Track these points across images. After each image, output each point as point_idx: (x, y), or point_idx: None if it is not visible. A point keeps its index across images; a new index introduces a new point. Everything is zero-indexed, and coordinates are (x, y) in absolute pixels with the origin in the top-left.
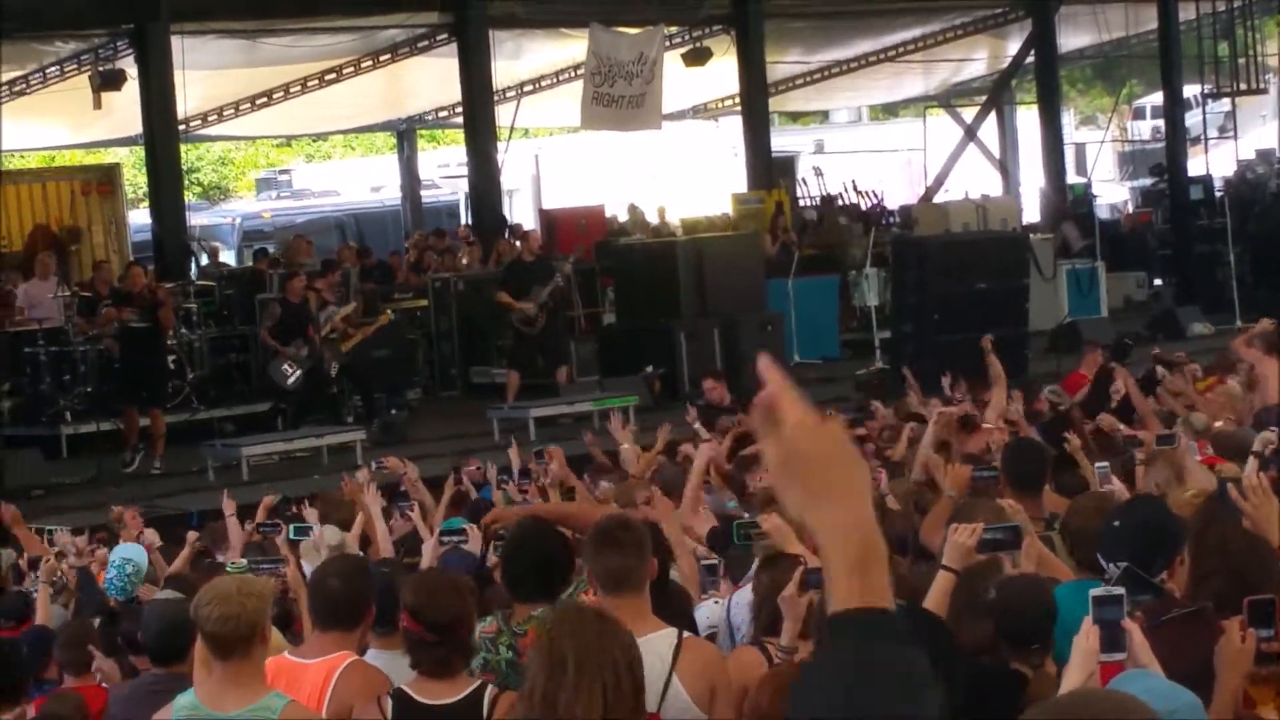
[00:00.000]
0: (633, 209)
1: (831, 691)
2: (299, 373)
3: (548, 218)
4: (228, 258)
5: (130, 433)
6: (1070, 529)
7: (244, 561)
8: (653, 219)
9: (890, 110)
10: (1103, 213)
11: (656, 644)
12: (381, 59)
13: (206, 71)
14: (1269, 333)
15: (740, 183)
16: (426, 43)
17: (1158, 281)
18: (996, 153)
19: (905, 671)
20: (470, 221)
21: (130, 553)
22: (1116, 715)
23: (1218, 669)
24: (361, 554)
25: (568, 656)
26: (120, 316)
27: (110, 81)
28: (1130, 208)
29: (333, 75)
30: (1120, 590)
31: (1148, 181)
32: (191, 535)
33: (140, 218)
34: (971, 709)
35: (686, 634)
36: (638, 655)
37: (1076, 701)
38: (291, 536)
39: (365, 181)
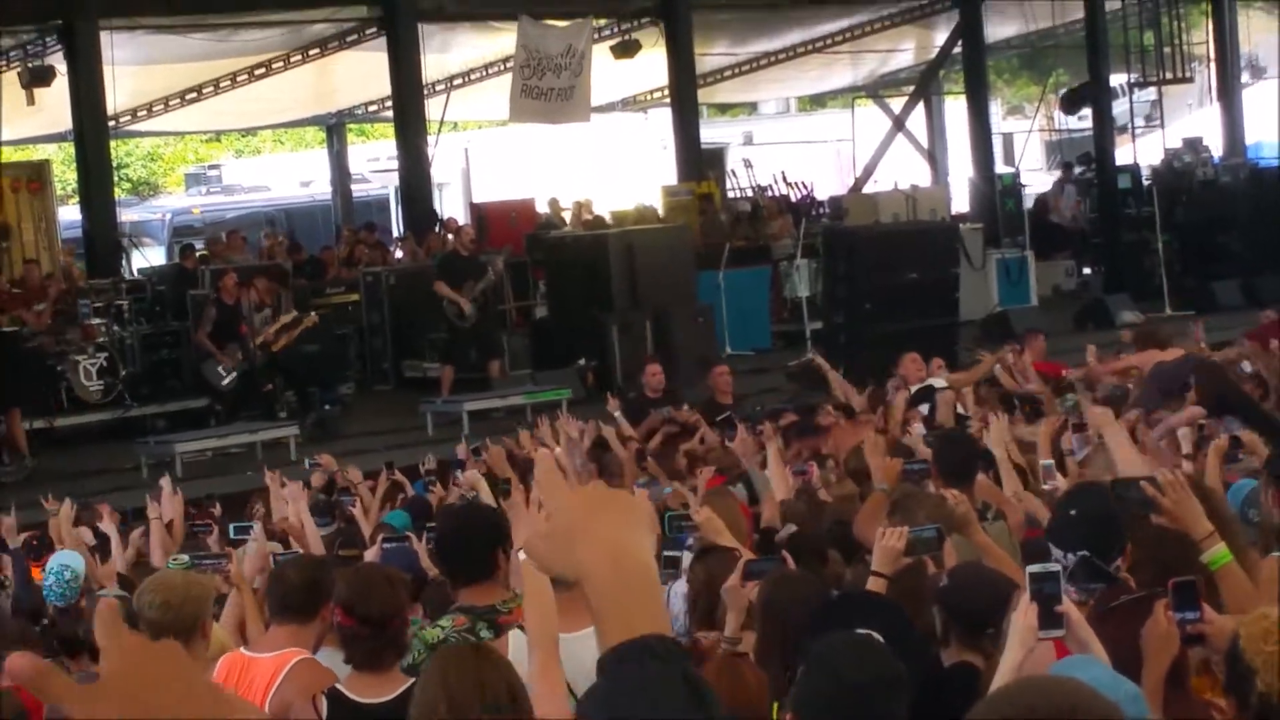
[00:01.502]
0: (552, 203)
1: None
2: (233, 374)
3: (478, 211)
4: (158, 254)
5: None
6: None
7: (185, 558)
8: (574, 212)
9: (819, 101)
10: (1030, 202)
11: (594, 639)
12: (310, 53)
13: (135, 67)
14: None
15: (670, 175)
16: (355, 37)
17: (1086, 270)
18: (925, 143)
19: (660, 695)
20: (400, 215)
21: (68, 559)
22: (1073, 705)
23: (1145, 653)
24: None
25: (439, 702)
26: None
27: (40, 78)
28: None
29: (262, 70)
30: (1057, 567)
31: (1077, 170)
32: (135, 534)
33: (70, 214)
34: (921, 704)
35: None
36: (518, 685)
37: (1032, 690)
38: (232, 536)
39: (295, 176)
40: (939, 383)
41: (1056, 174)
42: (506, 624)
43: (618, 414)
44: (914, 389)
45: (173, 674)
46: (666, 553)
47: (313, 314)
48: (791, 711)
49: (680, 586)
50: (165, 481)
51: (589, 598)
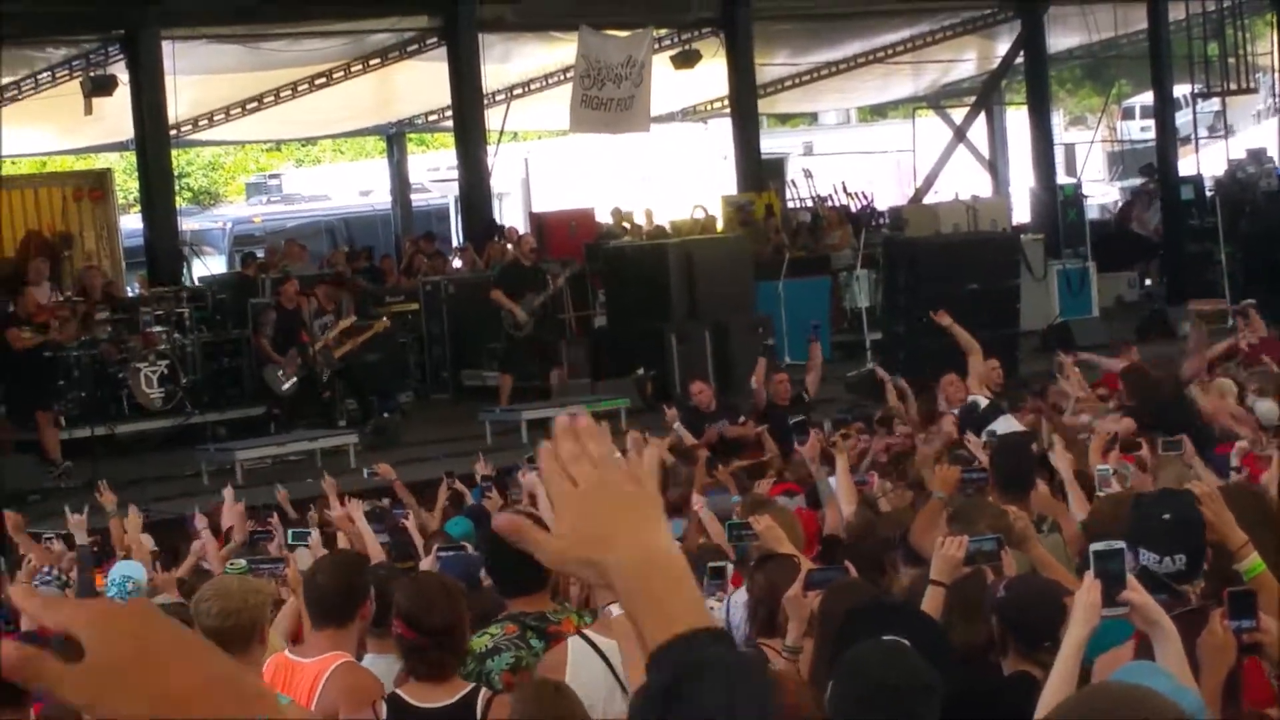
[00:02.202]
0: (616, 212)
1: None
2: (293, 380)
3: (538, 221)
4: (219, 263)
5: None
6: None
7: (243, 562)
8: (640, 222)
9: (879, 111)
10: (1093, 213)
11: None
12: (371, 63)
13: (197, 76)
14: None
15: (730, 185)
16: (416, 46)
17: (1148, 281)
18: (986, 153)
19: (723, 680)
20: (460, 225)
21: (129, 570)
22: (1143, 712)
23: (1200, 663)
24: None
25: None
26: (21, 340)
27: (101, 87)
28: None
29: (323, 79)
30: (1121, 544)
31: (1138, 181)
32: (196, 544)
33: (132, 223)
34: (976, 715)
35: None
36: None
37: (1102, 697)
38: (290, 541)
39: (355, 185)
40: (981, 400)
41: (1120, 184)
42: (556, 633)
43: (677, 425)
44: (956, 410)
45: (155, 636)
46: (711, 564)
47: (384, 318)
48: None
49: (740, 595)
50: (227, 491)
51: (621, 596)
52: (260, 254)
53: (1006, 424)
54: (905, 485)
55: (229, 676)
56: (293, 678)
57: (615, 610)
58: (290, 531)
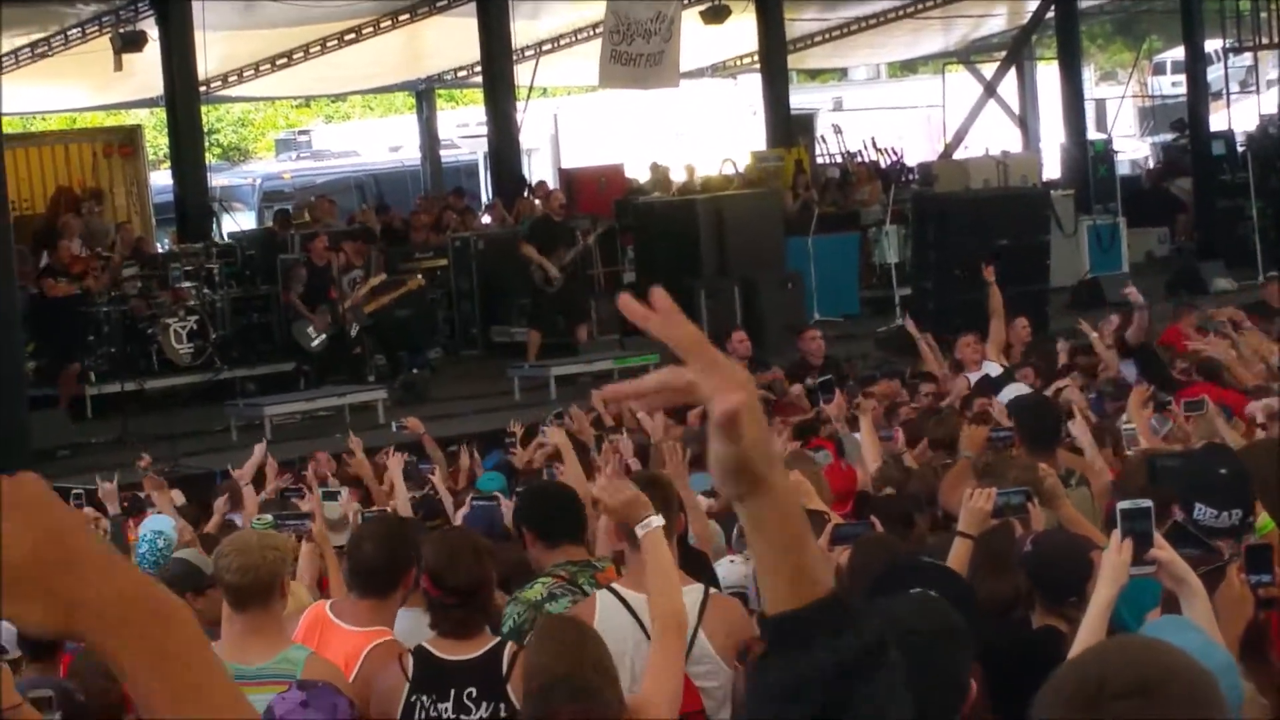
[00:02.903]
0: (655, 167)
1: (772, 695)
2: (323, 335)
3: (567, 177)
4: (248, 219)
5: (66, 397)
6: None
7: (269, 518)
8: (680, 177)
9: (909, 67)
10: (1123, 169)
11: (685, 598)
12: (400, 19)
13: (226, 32)
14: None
15: (759, 141)
16: (445, 2)
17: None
18: (1016, 109)
19: (840, 669)
20: (490, 181)
21: (160, 524)
22: (1167, 670)
23: (1218, 617)
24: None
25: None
26: (57, 289)
27: (131, 43)
28: (1151, 163)
29: (352, 35)
30: (1148, 503)
31: (1168, 137)
32: (219, 502)
33: (161, 179)
34: (1005, 667)
35: (713, 590)
36: (607, 659)
37: (1122, 651)
38: (323, 500)
39: (384, 142)
40: (996, 369)
41: (1151, 140)
42: (603, 580)
43: None
44: (973, 378)
45: (60, 536)
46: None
47: (419, 275)
48: None
49: None
50: (259, 446)
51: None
52: (290, 210)
53: (1015, 391)
54: (931, 445)
55: (140, 583)
56: (333, 640)
57: (640, 530)
58: (322, 490)
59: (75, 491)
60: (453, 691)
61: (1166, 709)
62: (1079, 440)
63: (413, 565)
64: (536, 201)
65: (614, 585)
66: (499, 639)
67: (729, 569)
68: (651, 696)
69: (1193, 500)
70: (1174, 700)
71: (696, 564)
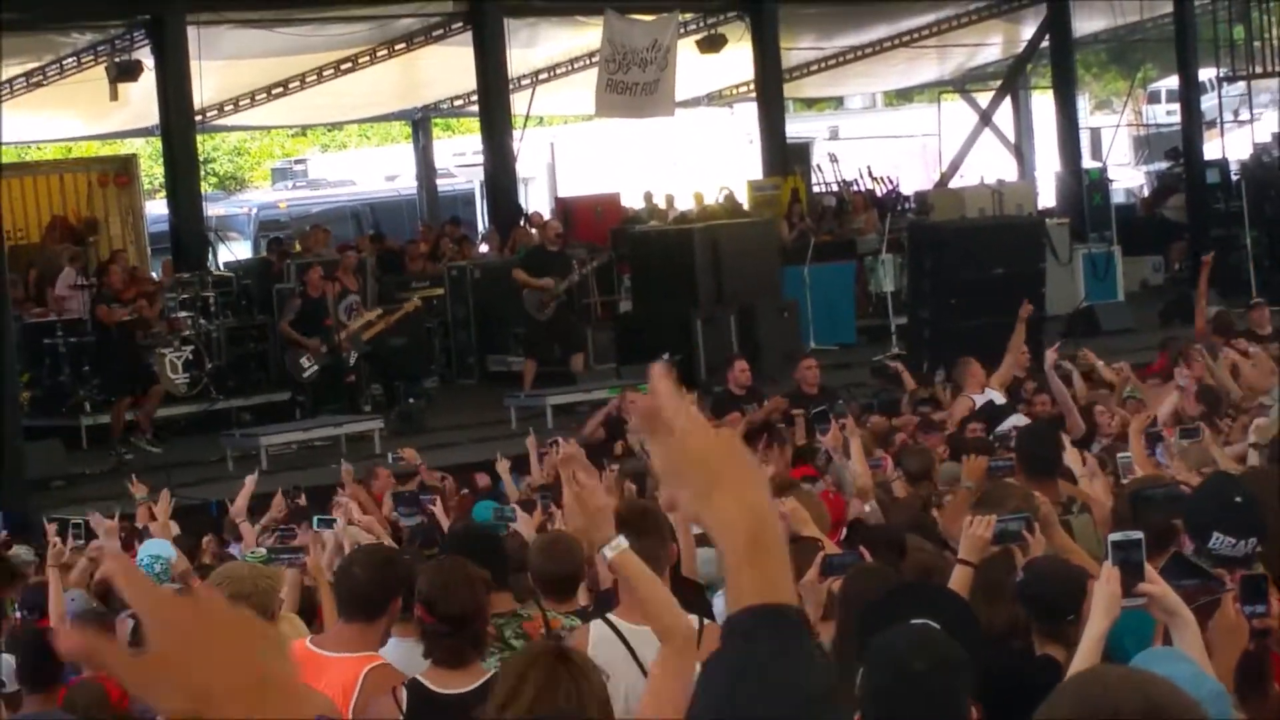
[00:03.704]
0: (648, 197)
1: (716, 692)
2: (315, 367)
3: (564, 206)
4: (244, 248)
5: (117, 426)
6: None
7: (263, 551)
8: (669, 206)
9: (905, 96)
10: (1118, 197)
11: None
12: (397, 48)
13: (222, 61)
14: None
15: (755, 169)
16: (441, 31)
17: (1175, 265)
18: (1012, 137)
19: (795, 669)
20: (486, 210)
21: (159, 549)
22: (1151, 702)
23: (1212, 646)
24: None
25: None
26: (110, 315)
27: (127, 72)
28: (1145, 191)
29: (348, 64)
30: (1139, 535)
31: (1163, 165)
32: (207, 541)
33: (157, 208)
34: (1002, 696)
35: (707, 621)
36: (588, 681)
37: (1108, 684)
38: (315, 527)
39: (381, 171)
40: (999, 398)
41: (1145, 169)
42: (530, 630)
43: None
44: (978, 401)
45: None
46: None
47: (416, 298)
48: (859, 709)
49: None
50: (250, 479)
51: (720, 547)
52: (284, 238)
53: (1016, 422)
54: (908, 479)
55: (280, 679)
56: (323, 671)
57: (609, 552)
58: (316, 518)
59: (74, 522)
60: None
61: None
62: (1074, 470)
63: (400, 593)
64: (533, 230)
65: (610, 616)
66: (494, 672)
67: (723, 600)
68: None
69: (1210, 529)
70: None
71: (689, 595)
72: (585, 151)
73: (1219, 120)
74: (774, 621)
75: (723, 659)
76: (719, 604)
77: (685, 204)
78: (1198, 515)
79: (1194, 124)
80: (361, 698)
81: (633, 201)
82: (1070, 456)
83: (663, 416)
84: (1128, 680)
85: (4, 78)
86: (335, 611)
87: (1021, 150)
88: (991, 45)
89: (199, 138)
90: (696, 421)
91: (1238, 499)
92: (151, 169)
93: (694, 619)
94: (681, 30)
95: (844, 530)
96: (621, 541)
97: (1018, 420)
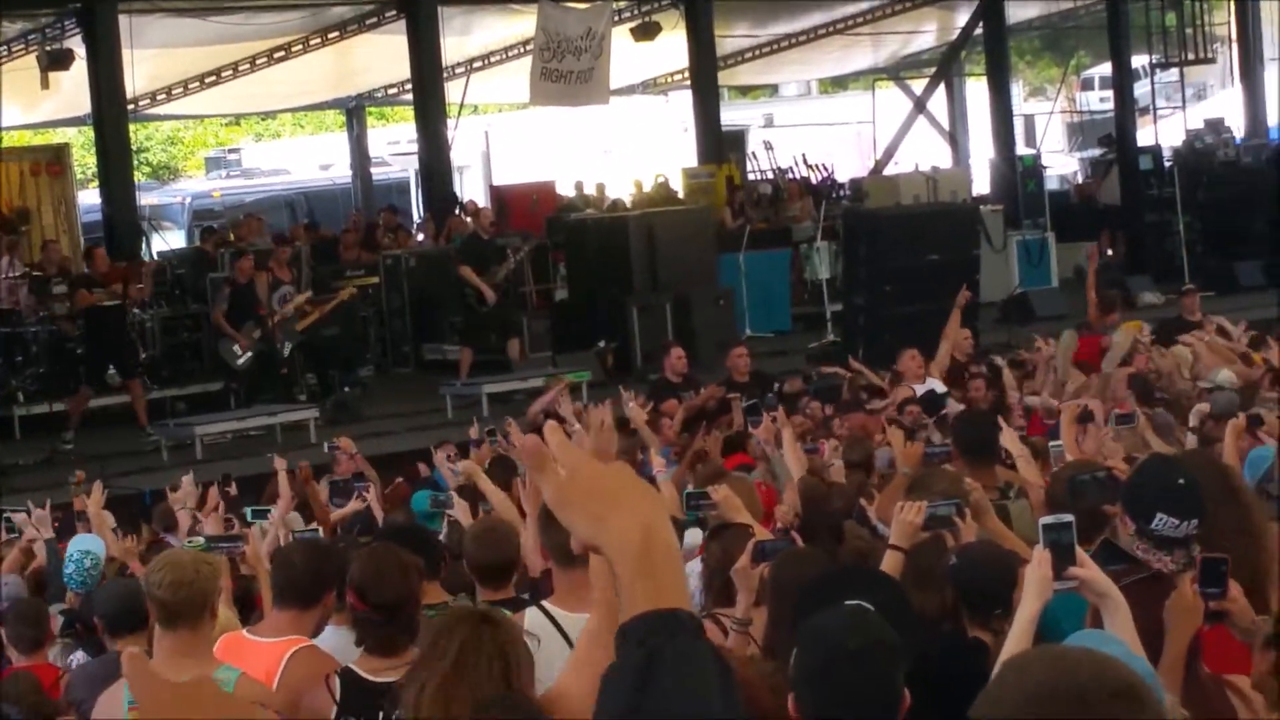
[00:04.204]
0: (579, 187)
1: (619, 697)
2: (249, 354)
3: (499, 194)
4: (178, 237)
5: (75, 411)
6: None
7: (201, 540)
8: (592, 194)
9: (839, 83)
10: (1052, 183)
11: None
12: (330, 36)
13: (155, 50)
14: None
15: (690, 157)
16: (376, 20)
17: (1108, 251)
18: (946, 125)
19: (692, 671)
20: (421, 198)
21: (88, 544)
22: (1093, 675)
23: (1167, 625)
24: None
25: (446, 654)
26: (91, 299)
27: (58, 61)
28: (1080, 178)
29: (282, 53)
30: (1069, 517)
31: (1097, 152)
32: (145, 533)
33: (90, 198)
34: (932, 678)
35: None
36: (514, 645)
37: (1047, 661)
38: (249, 519)
39: (315, 160)
40: (940, 387)
41: (1079, 155)
42: None
43: (631, 404)
44: (919, 390)
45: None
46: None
47: (351, 287)
48: (792, 691)
49: (695, 565)
50: (186, 477)
51: (615, 566)
52: (217, 226)
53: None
54: (848, 466)
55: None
56: (247, 654)
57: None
58: (249, 509)
59: (7, 515)
60: (380, 714)
61: (1143, 710)
62: (1012, 453)
63: (335, 585)
64: (468, 219)
65: (544, 604)
66: None
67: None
68: (567, 688)
69: (1154, 510)
70: (1149, 703)
71: None
72: (520, 140)
73: (1152, 107)
74: (668, 627)
75: (620, 666)
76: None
77: (618, 192)
78: (1140, 495)
79: (1127, 111)
80: (286, 677)
81: (565, 191)
82: (1007, 438)
83: (548, 455)
84: (1058, 656)
85: None
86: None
87: (956, 137)
88: (926, 33)
89: (132, 127)
90: (583, 457)
91: (1180, 480)
92: (84, 158)
93: None
94: (616, 18)
95: (775, 521)
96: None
97: (954, 407)
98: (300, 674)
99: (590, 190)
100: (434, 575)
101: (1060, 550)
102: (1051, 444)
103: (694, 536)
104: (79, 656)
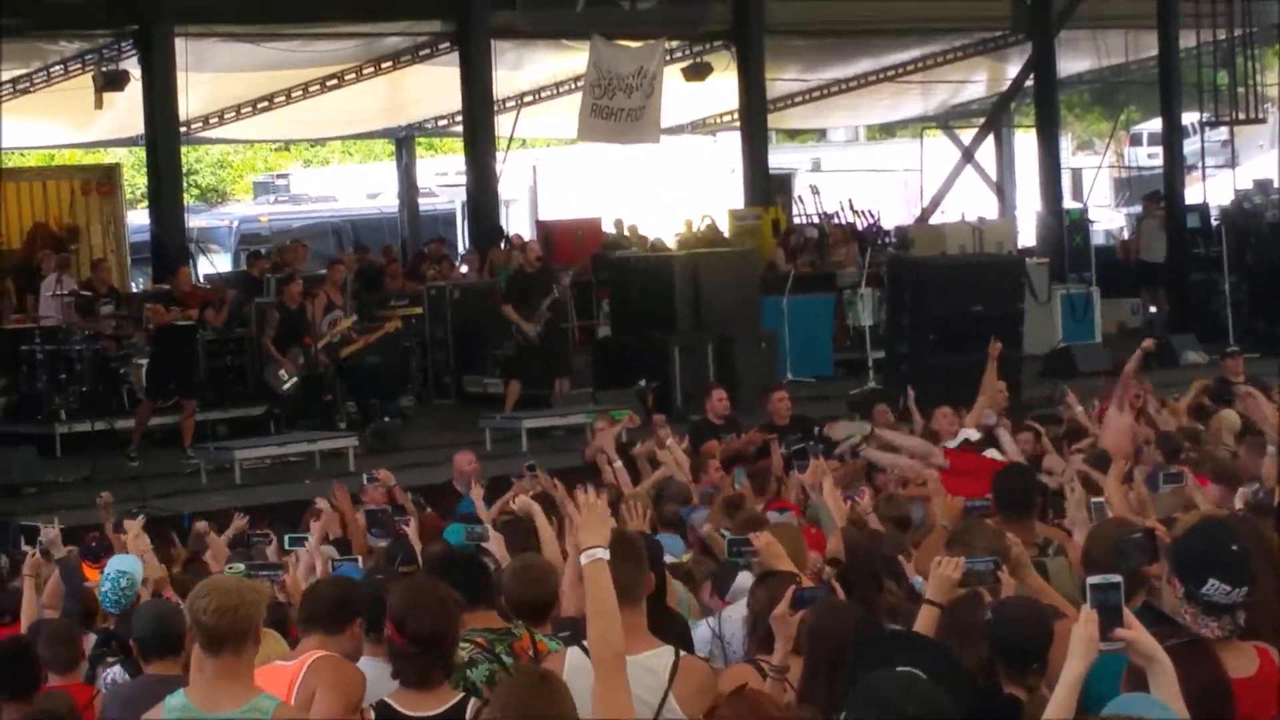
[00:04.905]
0: (619, 225)
1: None
2: (294, 379)
3: (545, 229)
4: (224, 260)
5: (139, 426)
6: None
7: (241, 566)
8: (646, 234)
9: (888, 130)
10: (1098, 239)
11: (653, 662)
12: (383, 66)
13: (209, 74)
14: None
15: (737, 199)
16: (428, 51)
17: (1153, 309)
18: (993, 175)
19: None
20: (466, 230)
21: (125, 565)
22: None
23: (1068, 658)
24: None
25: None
26: (168, 317)
27: (113, 82)
28: (1126, 234)
29: (334, 81)
30: (1118, 578)
31: (1138, 209)
32: (179, 553)
33: (139, 218)
34: None
35: (683, 653)
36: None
37: None
38: (286, 546)
39: (363, 188)
40: (972, 435)
41: (1126, 211)
42: (519, 650)
43: (670, 442)
44: (952, 445)
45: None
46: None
47: (395, 319)
48: None
49: (734, 611)
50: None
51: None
52: (264, 251)
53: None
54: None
55: None
56: (274, 680)
57: (584, 559)
58: (286, 536)
59: (31, 527)
60: None
61: None
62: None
63: (362, 613)
64: (513, 253)
65: (585, 643)
66: (463, 695)
67: (703, 630)
68: None
69: (1206, 575)
70: None
71: (673, 625)
72: (567, 175)
73: (1200, 165)
74: None
75: None
76: (700, 633)
77: (660, 231)
78: (1192, 558)
79: (1175, 168)
80: (306, 682)
81: (609, 228)
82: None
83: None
84: None
85: None
86: None
87: (1003, 188)
88: (976, 83)
89: (183, 149)
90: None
91: (1234, 546)
92: (134, 179)
93: (669, 650)
94: (667, 58)
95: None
96: (599, 552)
97: (994, 454)
98: (318, 678)
99: (628, 230)
100: (489, 602)
101: (1107, 611)
102: (1093, 500)
103: (745, 579)
104: (114, 674)
